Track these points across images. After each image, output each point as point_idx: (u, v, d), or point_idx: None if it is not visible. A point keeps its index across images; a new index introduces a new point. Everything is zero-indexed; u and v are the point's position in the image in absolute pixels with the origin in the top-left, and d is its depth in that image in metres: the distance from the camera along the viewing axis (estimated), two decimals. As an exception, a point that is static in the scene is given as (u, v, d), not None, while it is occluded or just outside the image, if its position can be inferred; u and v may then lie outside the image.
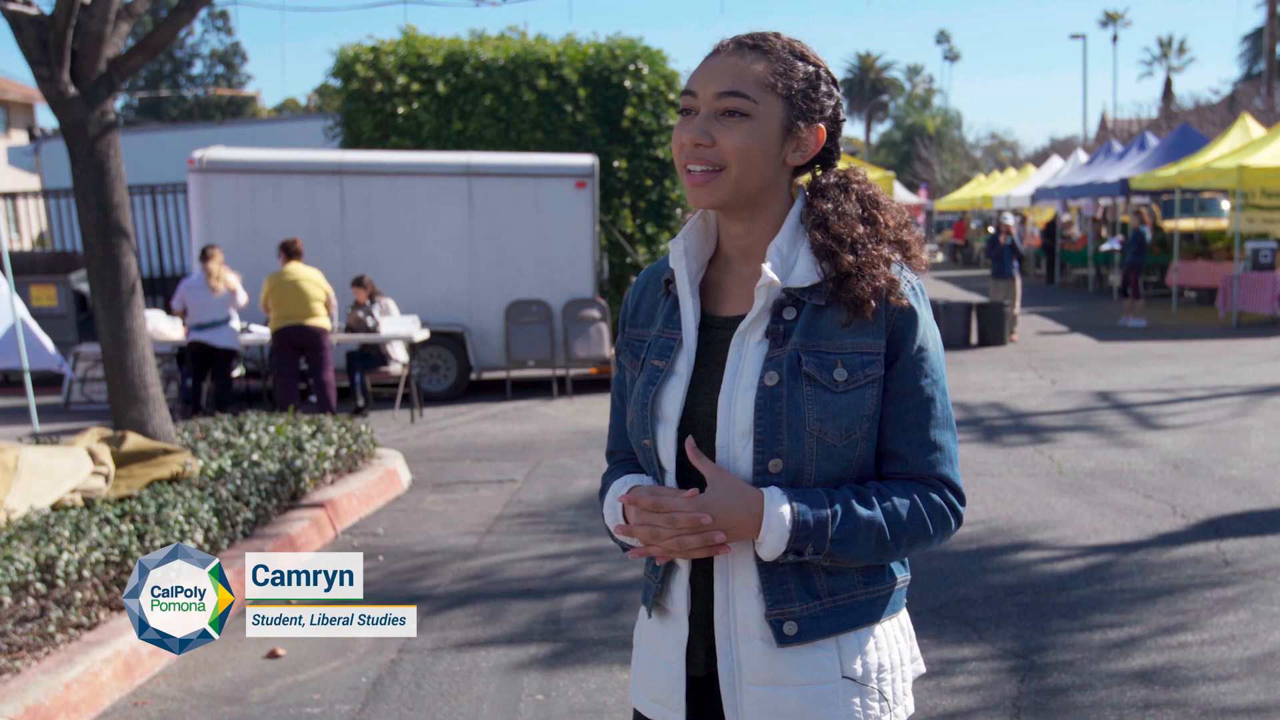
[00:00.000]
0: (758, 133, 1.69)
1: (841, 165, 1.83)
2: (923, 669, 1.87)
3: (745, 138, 1.69)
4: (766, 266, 1.70)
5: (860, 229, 1.74)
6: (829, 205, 1.75)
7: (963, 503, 1.77)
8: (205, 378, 10.67)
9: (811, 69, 1.74)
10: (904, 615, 1.83)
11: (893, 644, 1.77)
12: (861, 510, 1.68)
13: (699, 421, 1.75)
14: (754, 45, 1.72)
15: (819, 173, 1.81)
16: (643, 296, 1.90)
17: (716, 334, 1.78)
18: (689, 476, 1.76)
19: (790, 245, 1.74)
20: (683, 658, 1.79)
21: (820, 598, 1.71)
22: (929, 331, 1.75)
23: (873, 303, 1.70)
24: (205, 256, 10.47)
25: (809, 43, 1.78)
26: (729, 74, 1.70)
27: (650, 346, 1.82)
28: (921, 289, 1.76)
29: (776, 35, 1.75)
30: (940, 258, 42.01)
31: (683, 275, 1.79)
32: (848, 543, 1.67)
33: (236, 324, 10.62)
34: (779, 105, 1.70)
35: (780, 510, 1.65)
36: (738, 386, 1.71)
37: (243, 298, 10.55)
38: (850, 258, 1.71)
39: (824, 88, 1.75)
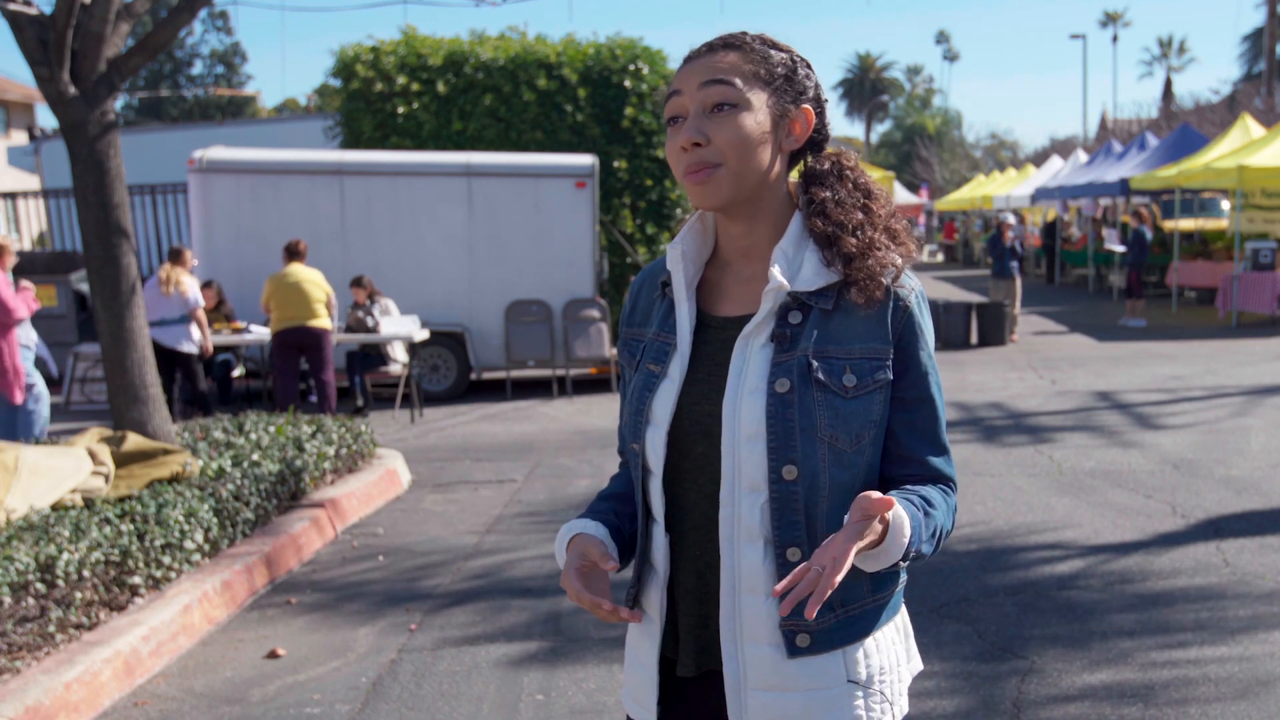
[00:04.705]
0: (750, 121, 1.69)
1: (830, 150, 1.84)
2: (919, 667, 1.88)
3: (739, 129, 1.68)
4: (775, 270, 1.69)
5: (858, 215, 1.76)
6: (827, 193, 1.76)
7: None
8: (173, 381, 10.19)
9: (784, 55, 1.76)
10: (901, 616, 1.83)
11: (891, 645, 1.78)
12: (933, 511, 1.70)
13: (694, 423, 1.74)
14: (725, 44, 1.74)
15: (810, 160, 1.82)
16: (639, 296, 1.90)
17: (714, 334, 1.77)
18: (676, 479, 1.76)
19: (796, 248, 1.74)
20: (654, 661, 1.81)
21: (834, 609, 1.71)
22: (932, 337, 1.78)
23: (883, 280, 1.71)
24: (170, 257, 10.36)
25: (808, 45, 1.80)
26: (710, 67, 1.71)
27: (646, 350, 1.82)
28: (922, 294, 1.77)
29: (745, 32, 1.77)
30: (940, 258, 42.01)
31: (679, 279, 1.78)
32: (928, 545, 1.68)
33: (193, 326, 10.25)
34: (764, 91, 1.71)
35: (901, 523, 1.61)
36: (742, 390, 1.69)
37: (194, 301, 10.18)
38: (853, 240, 1.72)
39: (801, 71, 1.76)
